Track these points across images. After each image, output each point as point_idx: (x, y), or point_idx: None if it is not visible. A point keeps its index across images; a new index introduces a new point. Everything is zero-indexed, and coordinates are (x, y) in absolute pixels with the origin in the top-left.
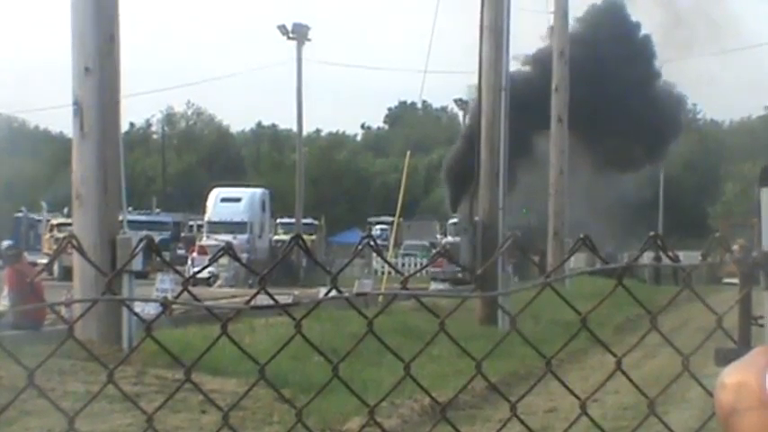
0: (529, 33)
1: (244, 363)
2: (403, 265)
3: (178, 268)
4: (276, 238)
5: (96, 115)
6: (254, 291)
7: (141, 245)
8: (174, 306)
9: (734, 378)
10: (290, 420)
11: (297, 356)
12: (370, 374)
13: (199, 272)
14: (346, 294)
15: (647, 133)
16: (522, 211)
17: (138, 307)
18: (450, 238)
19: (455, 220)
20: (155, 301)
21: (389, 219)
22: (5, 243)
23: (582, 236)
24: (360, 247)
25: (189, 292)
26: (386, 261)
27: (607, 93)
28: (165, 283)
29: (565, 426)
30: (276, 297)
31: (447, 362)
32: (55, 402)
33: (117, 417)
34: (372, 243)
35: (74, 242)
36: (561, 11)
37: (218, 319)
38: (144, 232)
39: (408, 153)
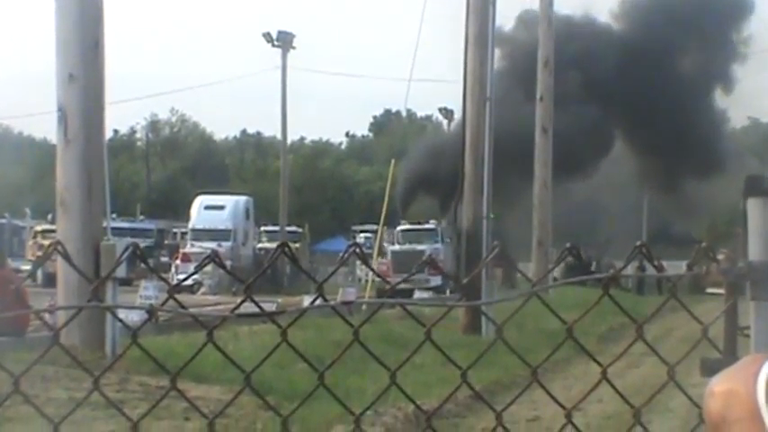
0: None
1: (228, 370)
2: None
3: (162, 275)
4: (260, 245)
5: (80, 122)
6: (238, 298)
7: (127, 252)
8: (164, 312)
9: (723, 386)
10: (273, 428)
11: (281, 364)
12: (354, 382)
13: (185, 279)
14: (332, 303)
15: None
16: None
17: (121, 314)
18: (396, 246)
19: (405, 227)
20: (141, 308)
21: (374, 227)
22: None
23: (568, 245)
24: (346, 255)
25: (175, 299)
26: (371, 269)
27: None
28: (149, 290)
29: None
30: (260, 305)
31: (431, 370)
32: (39, 409)
33: (100, 424)
34: (358, 251)
35: (59, 248)
36: (546, 19)
37: (203, 327)
38: (127, 239)
39: (393, 161)
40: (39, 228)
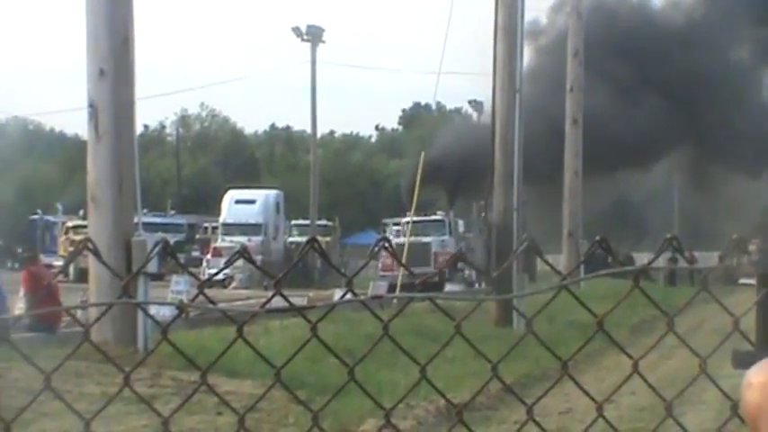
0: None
1: (259, 365)
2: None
3: (193, 270)
4: (290, 239)
5: (111, 117)
6: (269, 292)
7: (157, 247)
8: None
9: (761, 377)
10: (305, 422)
11: (312, 358)
12: (385, 376)
13: (216, 274)
14: (362, 297)
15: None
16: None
17: (153, 309)
18: (401, 239)
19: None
20: (171, 304)
21: (405, 220)
22: None
23: (597, 238)
24: (376, 248)
25: (204, 295)
26: (400, 263)
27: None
28: (179, 285)
29: (580, 427)
30: (290, 299)
31: (462, 364)
32: (71, 405)
33: (133, 419)
34: (387, 244)
35: (89, 245)
36: (576, 11)
37: (233, 322)
38: (159, 234)
39: (422, 154)
40: (70, 223)
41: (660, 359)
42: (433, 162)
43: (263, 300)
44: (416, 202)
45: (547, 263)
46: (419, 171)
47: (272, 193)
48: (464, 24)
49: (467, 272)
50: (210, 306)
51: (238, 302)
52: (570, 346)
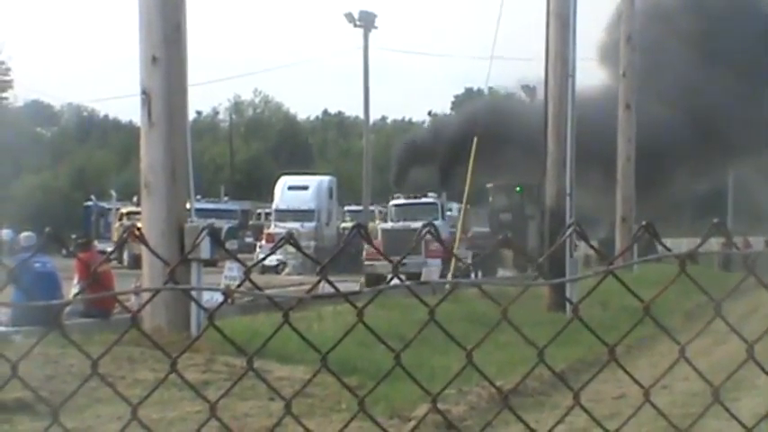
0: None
1: (311, 350)
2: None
3: (246, 256)
4: (344, 225)
5: (164, 104)
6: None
7: (203, 234)
8: (240, 294)
9: None
10: (357, 407)
11: (365, 343)
12: (439, 362)
13: (261, 261)
14: (408, 283)
15: None
16: (515, 189)
17: (206, 295)
18: (388, 224)
19: (399, 201)
20: (217, 290)
21: (392, 203)
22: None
23: (644, 223)
24: (422, 234)
25: (251, 281)
26: (446, 248)
27: None
28: (233, 271)
29: (633, 412)
30: (342, 285)
31: (515, 349)
32: (118, 390)
33: (186, 404)
34: (432, 231)
35: (136, 232)
36: None
37: (280, 308)
38: (212, 220)
39: (475, 139)
40: (124, 210)
41: (714, 344)
42: (424, 141)
43: (310, 287)
44: (470, 187)
45: (593, 248)
46: (472, 156)
47: (325, 179)
48: (517, 9)
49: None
50: (257, 292)
51: (291, 288)
52: (622, 332)
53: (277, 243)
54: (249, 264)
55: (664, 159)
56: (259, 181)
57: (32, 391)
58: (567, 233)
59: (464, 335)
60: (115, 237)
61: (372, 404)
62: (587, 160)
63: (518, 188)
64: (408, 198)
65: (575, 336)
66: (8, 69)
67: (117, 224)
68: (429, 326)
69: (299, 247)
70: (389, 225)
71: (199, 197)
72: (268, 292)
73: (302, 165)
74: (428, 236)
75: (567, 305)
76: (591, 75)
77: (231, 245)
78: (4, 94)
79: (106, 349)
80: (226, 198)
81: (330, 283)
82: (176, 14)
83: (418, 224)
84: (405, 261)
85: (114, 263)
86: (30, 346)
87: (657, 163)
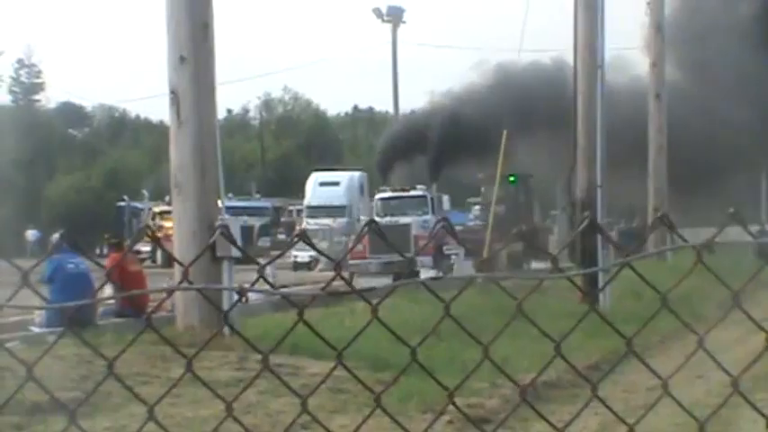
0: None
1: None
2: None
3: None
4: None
5: (192, 103)
6: (351, 275)
7: (216, 235)
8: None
9: None
10: (391, 403)
11: (397, 339)
12: (471, 355)
13: (274, 260)
14: (421, 279)
15: None
16: (508, 179)
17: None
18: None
19: (385, 195)
20: (232, 288)
21: (377, 196)
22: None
23: (659, 214)
24: (434, 230)
25: (264, 279)
26: (459, 244)
27: None
28: (268, 270)
29: (667, 402)
30: (375, 281)
31: (549, 341)
32: (132, 390)
33: (219, 402)
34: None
35: (148, 232)
36: None
37: (294, 306)
38: (243, 218)
39: (505, 132)
40: (157, 209)
41: (749, 333)
42: (413, 131)
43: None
44: (499, 181)
45: (609, 240)
46: (502, 148)
47: (356, 174)
48: (545, 1)
49: (453, 257)
50: (271, 291)
51: (321, 285)
52: (657, 322)
53: (291, 241)
54: (259, 262)
55: (722, 151)
56: (290, 178)
57: (50, 393)
58: (582, 226)
59: (494, 328)
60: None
61: (406, 399)
62: (632, 150)
63: (511, 178)
64: (395, 191)
65: (608, 327)
66: (39, 72)
67: (150, 223)
68: (464, 320)
69: (313, 245)
70: (376, 221)
71: (230, 195)
72: (287, 290)
73: (333, 161)
74: (420, 231)
75: (601, 296)
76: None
77: (264, 242)
78: (35, 97)
79: (120, 351)
80: (257, 195)
81: (344, 278)
82: (203, 14)
83: (408, 219)
84: (393, 260)
85: (148, 262)
86: (57, 347)
87: (716, 154)
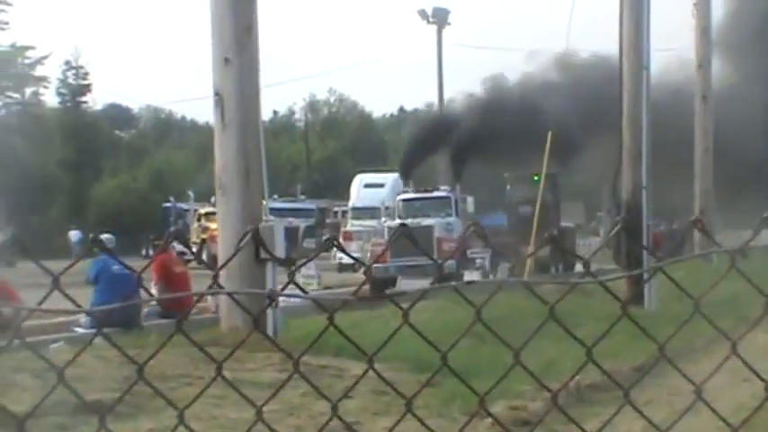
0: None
1: (389, 348)
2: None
3: (323, 255)
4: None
5: (236, 105)
6: (400, 276)
7: (246, 238)
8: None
9: None
10: (434, 405)
11: (443, 342)
12: (509, 358)
13: (305, 263)
14: (453, 284)
15: None
16: (532, 178)
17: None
18: (396, 222)
19: (407, 196)
20: (260, 292)
21: (399, 197)
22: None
23: (693, 218)
24: (466, 233)
25: (295, 283)
26: (491, 247)
27: None
28: (310, 270)
29: (713, 406)
30: (425, 283)
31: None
32: (165, 396)
33: (259, 404)
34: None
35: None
36: None
37: (324, 310)
38: (289, 219)
39: (550, 134)
40: (202, 210)
41: None
42: (435, 130)
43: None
44: (545, 182)
45: (641, 245)
46: (547, 150)
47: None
48: (589, 2)
49: (478, 261)
50: (301, 295)
51: (366, 287)
52: (699, 326)
53: (322, 245)
54: (290, 266)
55: None
56: (335, 179)
57: (79, 397)
58: (615, 229)
59: (541, 331)
60: (194, 237)
61: (449, 401)
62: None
63: (536, 177)
64: (418, 192)
65: (654, 330)
66: (86, 73)
67: (195, 225)
68: (509, 322)
69: (343, 249)
70: (397, 223)
71: (275, 196)
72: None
73: (378, 162)
74: (444, 234)
75: (646, 299)
76: None
77: (309, 243)
78: (83, 98)
79: (151, 356)
80: (302, 197)
81: (372, 283)
82: (248, 16)
83: (430, 221)
84: (414, 263)
85: (193, 263)
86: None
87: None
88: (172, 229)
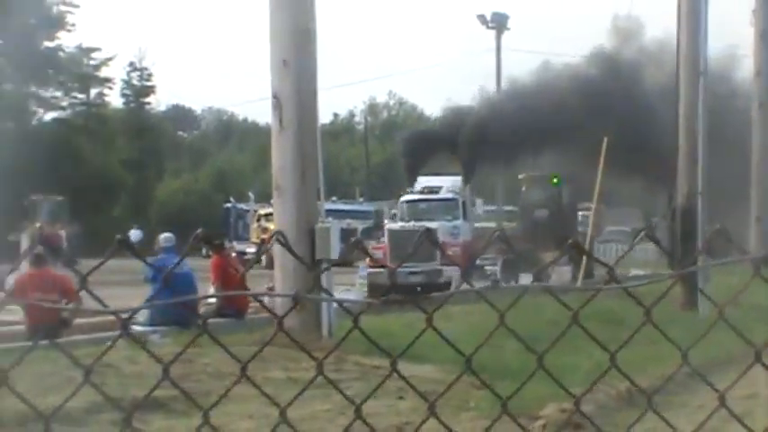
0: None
1: (442, 350)
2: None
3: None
4: (477, 225)
5: (294, 108)
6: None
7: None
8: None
9: None
10: (485, 406)
11: (497, 344)
12: (569, 361)
13: (331, 265)
14: (478, 287)
15: None
16: (551, 180)
17: (338, 296)
18: (397, 224)
19: (411, 197)
20: (287, 296)
21: (403, 198)
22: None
23: (717, 227)
24: (492, 238)
25: (320, 286)
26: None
27: None
28: (365, 271)
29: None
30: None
31: (643, 348)
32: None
33: (317, 403)
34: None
35: (280, 238)
36: None
37: (349, 314)
38: (347, 221)
39: (605, 139)
40: (262, 211)
41: None
42: (445, 130)
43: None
44: (600, 187)
45: (664, 250)
46: (602, 156)
47: (458, 178)
48: (647, 9)
49: (488, 268)
50: (326, 298)
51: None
52: (748, 331)
53: (351, 246)
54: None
55: None
56: (394, 182)
57: (105, 396)
58: (639, 237)
59: (595, 334)
60: (254, 237)
61: (500, 403)
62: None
63: (555, 179)
64: (423, 193)
65: (709, 335)
66: (150, 75)
67: (254, 225)
68: (558, 325)
69: (366, 251)
70: (398, 225)
71: (334, 198)
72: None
73: (436, 166)
74: (448, 238)
75: (700, 304)
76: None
77: (366, 245)
78: (146, 99)
79: (176, 356)
80: (361, 199)
81: (396, 286)
82: (306, 19)
83: (434, 224)
84: (417, 270)
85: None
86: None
87: None
88: (199, 231)
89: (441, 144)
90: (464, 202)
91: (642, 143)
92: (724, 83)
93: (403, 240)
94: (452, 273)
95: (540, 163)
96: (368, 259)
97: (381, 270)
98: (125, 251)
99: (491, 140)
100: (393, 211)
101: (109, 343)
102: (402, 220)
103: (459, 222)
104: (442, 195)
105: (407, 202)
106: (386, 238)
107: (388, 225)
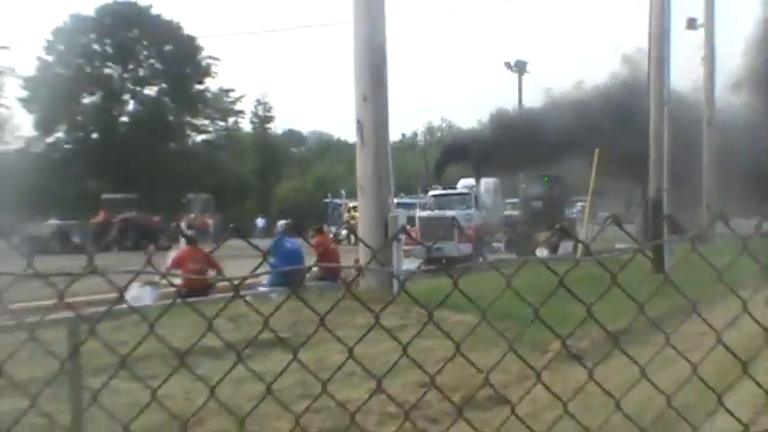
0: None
1: (479, 302)
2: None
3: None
4: (505, 213)
5: (372, 130)
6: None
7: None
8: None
9: None
10: (505, 344)
11: (516, 299)
12: (568, 311)
13: (377, 252)
14: (488, 261)
15: None
16: (543, 178)
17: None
18: (425, 213)
19: (437, 192)
20: (350, 267)
21: (431, 193)
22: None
23: (668, 213)
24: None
25: (378, 261)
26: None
27: None
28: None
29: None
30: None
31: (619, 303)
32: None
33: (384, 343)
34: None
35: (352, 227)
36: None
37: (399, 281)
38: (412, 211)
39: (597, 150)
40: (351, 204)
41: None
42: (460, 140)
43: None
44: (593, 188)
45: (626, 232)
46: (594, 165)
47: (491, 180)
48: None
49: (495, 245)
50: (382, 269)
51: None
52: (704, 288)
53: (396, 232)
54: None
55: None
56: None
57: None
58: (606, 223)
59: (585, 292)
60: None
61: (517, 343)
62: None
63: (545, 178)
64: (445, 189)
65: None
66: (271, 108)
67: (346, 215)
68: (553, 287)
69: (409, 233)
70: (426, 213)
71: (402, 194)
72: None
73: (459, 171)
74: (464, 223)
75: (666, 267)
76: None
77: None
78: (268, 125)
79: (276, 308)
80: (422, 195)
81: (434, 262)
82: (380, 63)
83: (453, 212)
84: (439, 245)
85: (344, 241)
86: (281, 301)
87: None
88: (285, 221)
89: (459, 151)
90: (476, 196)
91: (627, 153)
92: (691, 109)
93: (431, 225)
94: (466, 248)
95: (537, 167)
96: (405, 237)
97: (416, 246)
98: (247, 234)
99: (495, 152)
100: (424, 201)
101: (247, 298)
102: (429, 209)
103: (471, 211)
104: (458, 190)
105: (434, 196)
106: (417, 223)
107: (419, 213)
